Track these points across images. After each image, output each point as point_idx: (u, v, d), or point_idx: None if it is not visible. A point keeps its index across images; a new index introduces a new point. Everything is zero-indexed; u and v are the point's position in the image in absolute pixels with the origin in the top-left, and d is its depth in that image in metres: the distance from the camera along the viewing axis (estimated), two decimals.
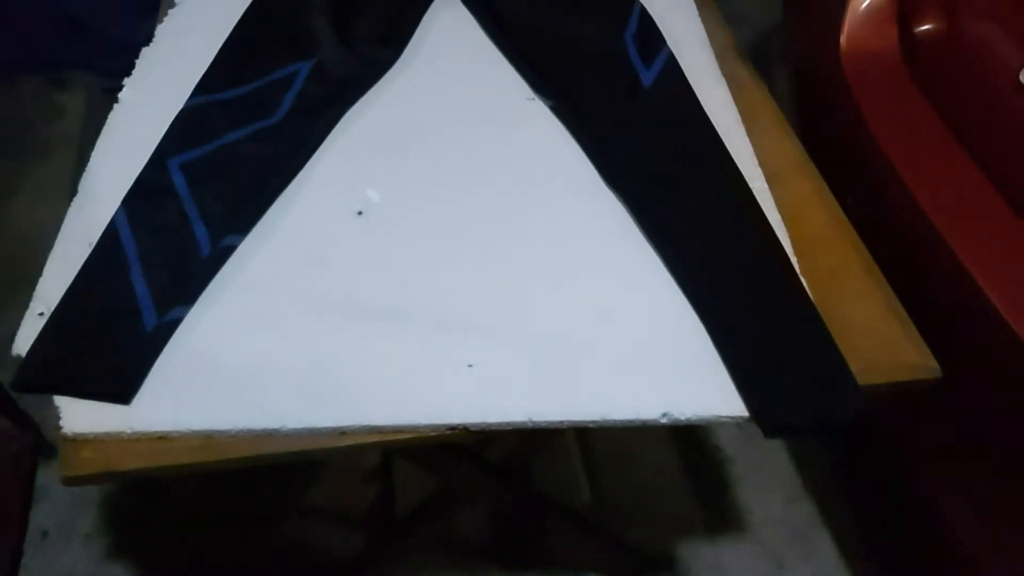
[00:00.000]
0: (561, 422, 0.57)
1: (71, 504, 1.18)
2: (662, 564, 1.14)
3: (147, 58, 0.83)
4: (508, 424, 0.57)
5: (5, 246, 1.43)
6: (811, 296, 0.64)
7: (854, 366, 0.60)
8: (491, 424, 0.57)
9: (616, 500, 1.19)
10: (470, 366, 0.59)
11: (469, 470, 0.83)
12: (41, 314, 0.61)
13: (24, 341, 0.59)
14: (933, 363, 0.62)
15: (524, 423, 0.57)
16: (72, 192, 0.71)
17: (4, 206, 1.54)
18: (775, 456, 1.26)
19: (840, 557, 1.16)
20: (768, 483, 1.24)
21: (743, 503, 1.22)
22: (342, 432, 0.57)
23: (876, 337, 0.64)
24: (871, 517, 1.19)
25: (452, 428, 0.57)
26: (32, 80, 1.76)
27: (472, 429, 0.57)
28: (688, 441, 1.28)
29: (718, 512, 1.21)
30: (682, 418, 0.57)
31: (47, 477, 1.12)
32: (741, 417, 0.58)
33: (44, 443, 1.10)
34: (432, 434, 0.57)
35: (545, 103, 0.80)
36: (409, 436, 0.57)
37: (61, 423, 0.56)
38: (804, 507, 1.21)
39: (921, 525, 1.01)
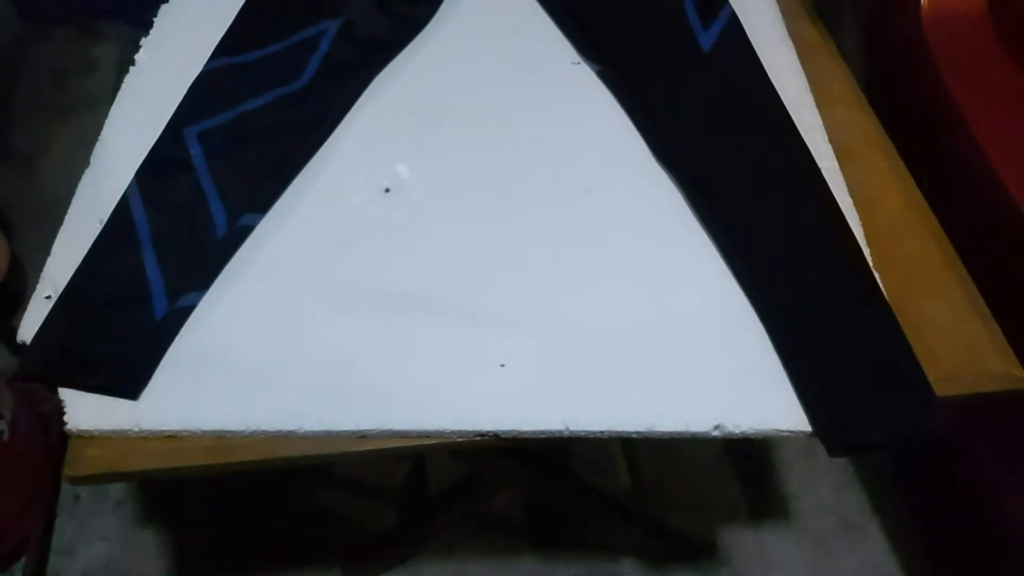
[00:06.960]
0: (602, 432, 0.52)
1: None
2: (702, 550, 1.10)
3: (165, 17, 0.77)
4: (543, 432, 0.52)
5: (37, 205, 1.41)
6: (885, 293, 0.58)
7: (931, 375, 0.54)
8: (524, 432, 0.52)
9: (656, 482, 1.14)
10: (503, 366, 0.55)
11: (503, 460, 0.79)
12: (48, 297, 0.58)
13: (29, 327, 0.56)
14: (1020, 372, 0.56)
15: (560, 432, 0.52)
16: None
17: (36, 163, 1.51)
18: None
19: (889, 549, 1.11)
20: (817, 469, 1.18)
21: (790, 489, 1.16)
22: (363, 436, 0.52)
23: (957, 341, 0.58)
24: (923, 508, 1.12)
25: (481, 435, 0.52)
26: (66, 30, 1.72)
27: (503, 437, 0.52)
28: None
29: (763, 498, 1.15)
30: (737, 431, 0.52)
31: None
32: (803, 432, 0.52)
33: None
34: (460, 440, 0.53)
35: (592, 68, 0.74)
36: (435, 442, 0.53)
37: (66, 419, 0.53)
38: (854, 495, 1.16)
39: (977, 521, 0.95)
